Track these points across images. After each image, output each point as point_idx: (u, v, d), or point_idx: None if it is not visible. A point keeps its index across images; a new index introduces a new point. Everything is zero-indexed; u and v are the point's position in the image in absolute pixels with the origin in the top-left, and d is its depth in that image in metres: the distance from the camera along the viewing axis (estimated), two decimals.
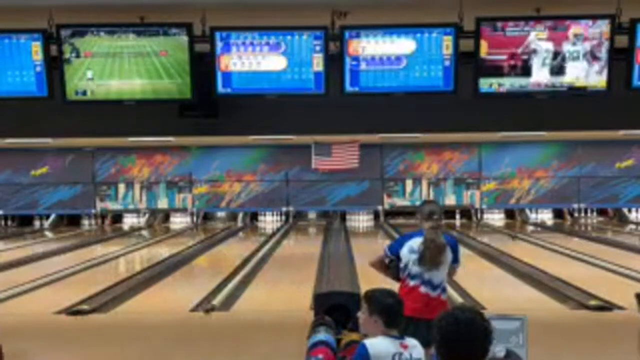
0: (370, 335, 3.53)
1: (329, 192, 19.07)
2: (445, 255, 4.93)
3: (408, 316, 4.62)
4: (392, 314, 3.49)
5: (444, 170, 19.08)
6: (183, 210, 19.52)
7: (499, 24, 6.45)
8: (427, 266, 4.87)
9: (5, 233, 18.77)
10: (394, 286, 4.80)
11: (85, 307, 8.21)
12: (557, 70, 6.54)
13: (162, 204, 19.40)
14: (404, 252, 4.94)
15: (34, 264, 12.52)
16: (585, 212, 20.06)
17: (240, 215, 19.94)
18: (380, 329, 3.48)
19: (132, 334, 7.15)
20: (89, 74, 6.70)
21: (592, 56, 6.51)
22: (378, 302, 3.51)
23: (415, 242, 4.92)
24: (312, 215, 20.25)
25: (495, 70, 6.55)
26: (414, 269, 4.90)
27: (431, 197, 18.88)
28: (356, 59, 6.61)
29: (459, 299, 8.20)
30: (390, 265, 5.02)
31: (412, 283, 4.91)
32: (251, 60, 6.67)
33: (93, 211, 19.41)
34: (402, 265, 4.95)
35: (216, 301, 8.48)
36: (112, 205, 19.38)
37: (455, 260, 5.03)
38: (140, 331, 7.25)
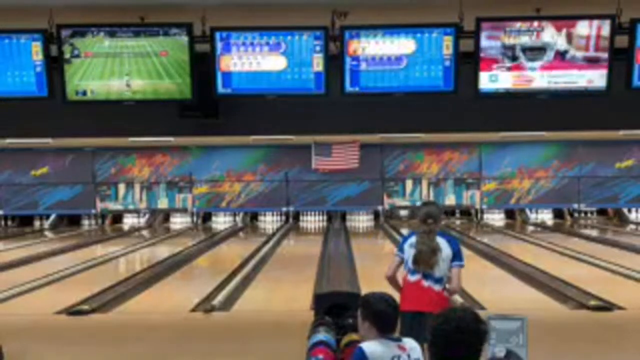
0: (366, 339, 3.48)
1: (329, 192, 19.03)
2: (439, 256, 4.95)
3: (415, 311, 4.66)
4: (385, 321, 3.43)
5: (444, 171, 19.05)
6: (183, 210, 19.51)
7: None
8: (420, 268, 4.94)
9: (5, 233, 18.76)
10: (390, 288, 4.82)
11: (85, 307, 8.20)
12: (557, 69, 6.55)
13: (162, 204, 19.37)
14: (406, 247, 5.05)
15: (34, 264, 12.50)
16: (585, 212, 20.07)
17: (240, 216, 19.94)
18: (374, 333, 3.43)
19: (132, 334, 7.14)
20: (89, 74, 6.71)
21: (593, 56, 6.51)
22: (371, 308, 3.46)
23: (414, 238, 5.03)
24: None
25: None
26: (413, 264, 4.94)
27: (431, 197, 18.86)
28: (356, 59, 6.61)
29: (459, 299, 8.19)
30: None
31: (413, 278, 4.94)
32: (251, 60, 6.67)
33: (93, 211, 19.40)
34: (404, 259, 5.02)
35: (216, 301, 8.47)
36: (112, 205, 19.37)
37: (458, 259, 5.03)
38: (140, 331, 7.24)
